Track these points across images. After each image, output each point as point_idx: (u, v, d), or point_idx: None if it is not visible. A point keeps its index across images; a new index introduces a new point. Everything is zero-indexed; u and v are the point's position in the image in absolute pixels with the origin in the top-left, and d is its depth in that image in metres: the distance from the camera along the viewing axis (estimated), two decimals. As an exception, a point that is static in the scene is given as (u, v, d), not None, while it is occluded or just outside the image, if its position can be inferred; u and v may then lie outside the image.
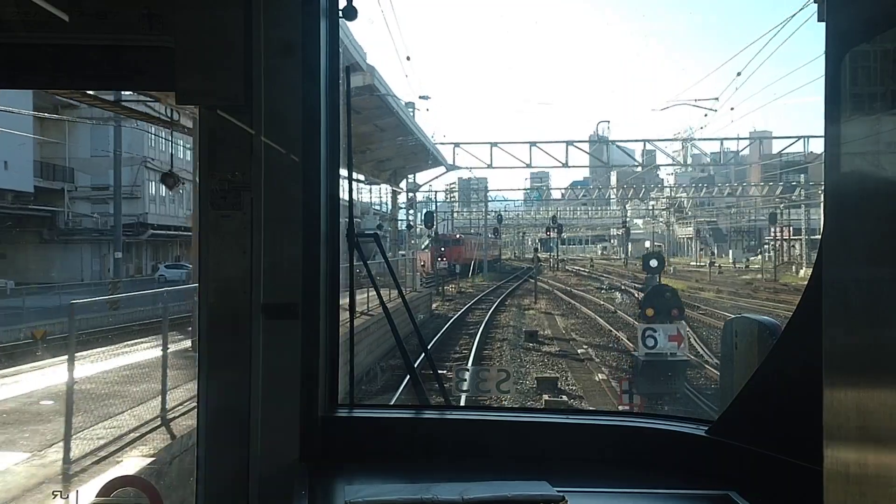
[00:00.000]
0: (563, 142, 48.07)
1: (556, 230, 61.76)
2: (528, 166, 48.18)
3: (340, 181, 3.18)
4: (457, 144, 46.98)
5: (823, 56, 1.66)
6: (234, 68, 2.76)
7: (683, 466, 2.79)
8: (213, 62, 2.76)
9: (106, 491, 2.49)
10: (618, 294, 41.56)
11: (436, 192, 65.27)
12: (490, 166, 47.37)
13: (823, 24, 1.71)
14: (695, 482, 2.66)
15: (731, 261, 66.62)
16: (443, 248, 51.68)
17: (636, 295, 38.77)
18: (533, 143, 47.20)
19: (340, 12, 3.08)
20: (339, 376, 3.13)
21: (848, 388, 1.54)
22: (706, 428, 2.84)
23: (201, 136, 2.95)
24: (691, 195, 72.08)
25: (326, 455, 2.92)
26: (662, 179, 77.15)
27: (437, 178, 52.07)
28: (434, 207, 60.26)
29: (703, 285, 45.40)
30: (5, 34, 2.87)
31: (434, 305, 37.49)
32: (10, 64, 3.00)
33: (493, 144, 46.78)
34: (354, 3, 3.09)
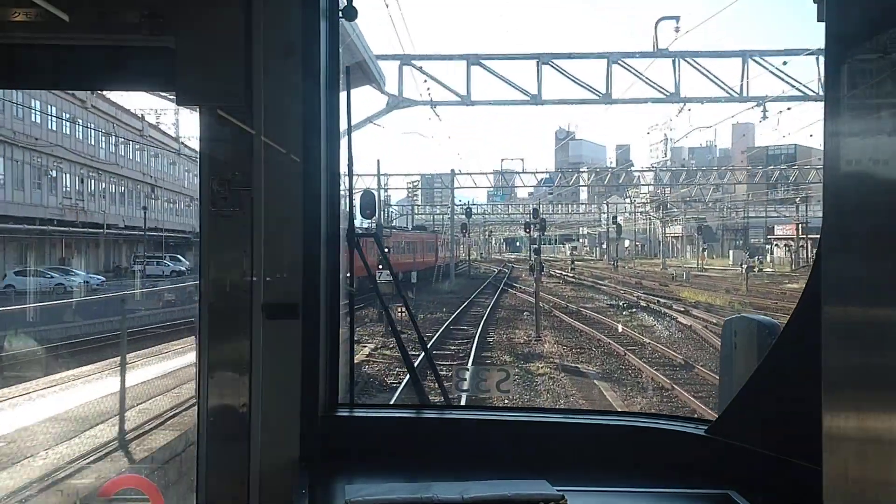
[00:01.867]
0: (603, 55, 26.08)
1: (537, 227, 47.45)
2: (536, 101, 26.13)
3: (340, 181, 3.18)
4: (405, 61, 25.89)
5: (823, 56, 1.66)
6: (234, 69, 2.77)
7: (683, 466, 2.79)
8: (213, 63, 2.77)
9: (107, 490, 2.50)
10: (650, 318, 28.91)
11: (381, 178, 45.17)
12: (467, 101, 26.03)
13: (823, 24, 1.72)
14: (694, 481, 2.66)
15: (730, 262, 58.51)
16: (388, 249, 33.87)
17: (679, 320, 26.27)
18: (545, 59, 25.90)
19: (340, 12, 3.09)
20: (339, 376, 3.13)
21: (847, 387, 1.54)
22: (705, 427, 2.85)
23: (202, 136, 2.96)
24: (673, 184, 64.95)
25: (327, 455, 2.93)
26: (638, 176, 71.31)
27: (371, 120, 26.30)
28: (378, 189, 41.74)
29: (751, 298, 33.29)
30: (6, 34, 2.87)
31: (366, 351, 20.16)
32: (11, 64, 3.01)
33: (474, 61, 25.97)
34: (354, 4, 3.10)
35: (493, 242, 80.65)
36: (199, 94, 2.81)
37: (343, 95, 3.16)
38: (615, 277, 48.81)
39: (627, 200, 71.59)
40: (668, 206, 67.62)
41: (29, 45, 2.93)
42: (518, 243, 69.43)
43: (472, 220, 62.42)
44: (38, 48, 2.95)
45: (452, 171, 57.62)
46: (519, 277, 50.22)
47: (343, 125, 3.15)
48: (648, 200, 69.33)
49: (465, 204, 60.35)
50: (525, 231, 52.14)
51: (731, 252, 62.47)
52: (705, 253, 61.71)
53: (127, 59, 2.98)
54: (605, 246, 69.83)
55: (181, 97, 2.79)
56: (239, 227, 2.90)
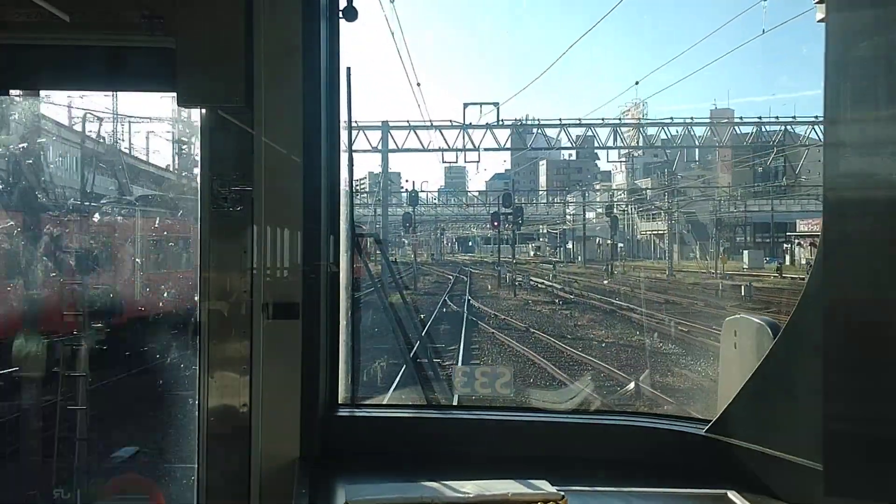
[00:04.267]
0: None
1: (511, 218, 36.73)
2: None
3: (341, 181, 3.18)
4: None
5: (823, 56, 1.66)
6: (235, 69, 2.77)
7: (682, 465, 2.80)
8: (214, 63, 2.77)
9: (108, 490, 2.49)
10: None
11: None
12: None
13: (823, 24, 1.72)
14: (693, 481, 2.67)
15: (745, 265, 45.25)
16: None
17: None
18: None
19: (340, 13, 3.09)
20: (339, 376, 3.13)
21: (847, 387, 1.54)
22: (705, 427, 2.85)
23: (202, 136, 2.96)
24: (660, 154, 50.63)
25: (327, 454, 2.93)
26: (609, 171, 60.70)
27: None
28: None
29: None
30: (6, 34, 2.88)
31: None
32: (12, 65, 3.01)
33: None
34: (354, 4, 3.10)
35: (445, 242, 65.32)
36: (199, 94, 2.82)
37: (343, 95, 3.17)
38: (627, 293, 30.54)
39: (598, 193, 58.16)
40: (647, 200, 53.68)
41: (29, 45, 2.94)
42: (471, 243, 59.77)
43: (420, 215, 46.63)
44: (38, 48, 2.95)
45: (385, 123, 35.52)
46: (485, 291, 33.04)
47: (343, 125, 3.16)
48: (625, 189, 56.28)
49: (409, 190, 42.88)
50: (492, 225, 39.36)
51: (744, 252, 47.88)
52: (725, 255, 46.05)
53: (127, 59, 2.98)
54: (569, 245, 56.26)
55: (181, 97, 2.79)
56: (239, 226, 2.91)
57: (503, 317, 23.74)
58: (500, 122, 36.26)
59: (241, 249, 2.91)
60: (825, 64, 1.66)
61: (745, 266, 42.71)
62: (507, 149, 38.79)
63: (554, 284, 34.52)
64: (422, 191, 47.15)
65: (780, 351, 2.58)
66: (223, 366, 2.93)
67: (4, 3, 2.83)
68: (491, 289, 33.46)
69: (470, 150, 36.35)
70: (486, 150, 37.37)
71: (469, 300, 28.13)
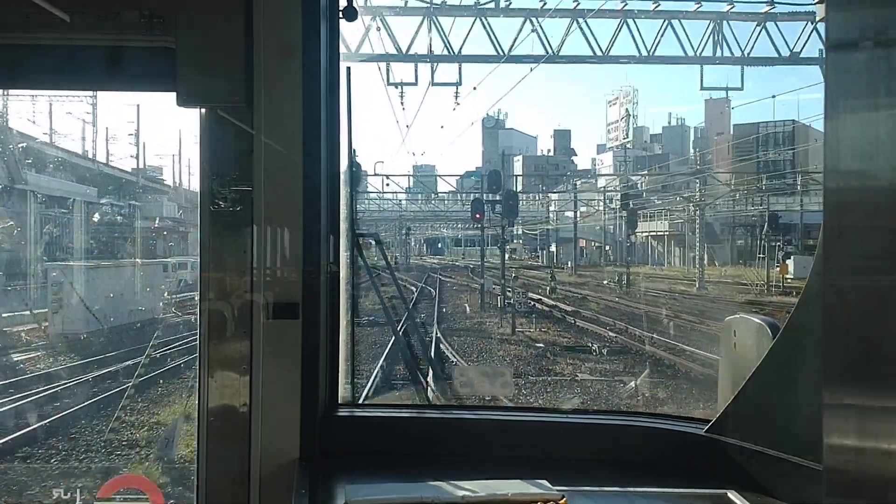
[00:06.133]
0: None
1: (501, 209, 25.89)
2: None
3: (341, 181, 3.18)
4: None
5: (824, 56, 1.66)
6: (234, 69, 2.78)
7: (682, 465, 2.80)
8: (213, 63, 2.78)
9: (107, 490, 2.50)
10: None
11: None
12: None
13: (823, 24, 1.72)
14: (693, 481, 2.67)
15: (791, 275, 34.00)
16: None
17: None
18: None
19: (340, 13, 3.09)
20: (339, 376, 3.13)
21: (847, 386, 1.54)
22: (705, 427, 2.85)
23: (202, 136, 2.96)
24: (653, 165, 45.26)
25: (327, 454, 2.93)
26: (590, 168, 55.44)
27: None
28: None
29: None
30: (6, 35, 2.88)
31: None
32: (12, 64, 3.01)
33: None
34: (354, 4, 3.10)
35: (413, 244, 56.62)
36: (199, 94, 2.82)
37: (343, 95, 3.17)
38: (683, 325, 20.12)
39: (586, 185, 48.27)
40: (642, 196, 44.81)
41: (29, 45, 2.94)
42: (440, 244, 55.63)
43: (384, 213, 38.63)
44: (38, 48, 2.95)
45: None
46: (462, 315, 23.02)
47: (343, 125, 3.16)
48: (617, 189, 46.11)
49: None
50: (474, 218, 28.68)
51: (790, 259, 36.04)
52: (784, 261, 34.92)
53: (127, 59, 2.98)
54: (552, 248, 49.23)
55: (181, 97, 2.80)
56: (239, 226, 2.91)
57: (504, 401, 12.46)
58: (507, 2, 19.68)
59: (241, 249, 2.91)
60: (825, 64, 1.66)
61: (790, 276, 34.08)
62: (512, 57, 19.99)
63: (560, 305, 24.35)
64: (375, 174, 33.21)
65: (780, 351, 2.58)
66: (223, 366, 2.93)
67: (3, 2, 2.83)
68: (470, 311, 22.96)
69: (444, 58, 19.64)
70: (469, 59, 20.10)
71: (437, 337, 16.92)
